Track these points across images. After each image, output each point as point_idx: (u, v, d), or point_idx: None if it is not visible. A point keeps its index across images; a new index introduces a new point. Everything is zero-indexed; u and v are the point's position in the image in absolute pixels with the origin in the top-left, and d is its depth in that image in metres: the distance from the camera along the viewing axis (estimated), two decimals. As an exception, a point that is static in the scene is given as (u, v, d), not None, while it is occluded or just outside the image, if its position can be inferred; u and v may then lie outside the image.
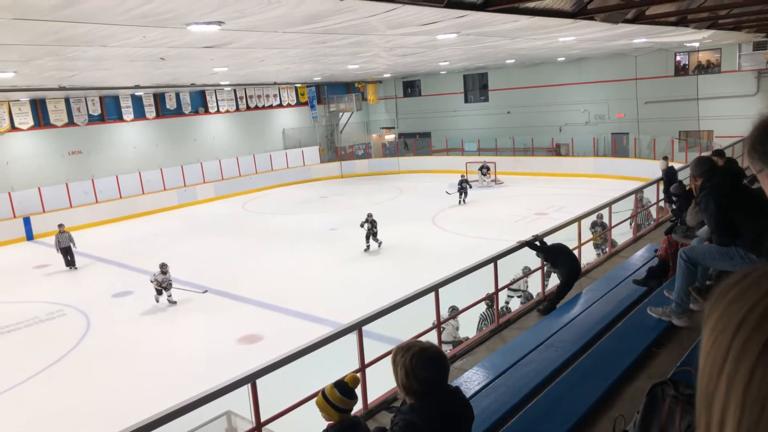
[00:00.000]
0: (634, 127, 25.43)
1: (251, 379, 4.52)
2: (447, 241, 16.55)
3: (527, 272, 8.97)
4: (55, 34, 7.66)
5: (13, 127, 21.80)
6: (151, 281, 12.84)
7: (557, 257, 6.44)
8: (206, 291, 13.28)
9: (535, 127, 28.27)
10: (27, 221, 21.54)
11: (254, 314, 12.26)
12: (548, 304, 6.38)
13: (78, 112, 23.38)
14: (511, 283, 8.18)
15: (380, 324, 5.10)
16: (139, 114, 25.43)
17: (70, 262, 17.01)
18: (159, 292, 12.95)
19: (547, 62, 26.52)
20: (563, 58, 24.62)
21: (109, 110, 24.55)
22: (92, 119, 23.95)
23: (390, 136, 33.60)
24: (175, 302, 12.99)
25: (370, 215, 16.05)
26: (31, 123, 22.20)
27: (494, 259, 6.04)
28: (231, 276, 14.66)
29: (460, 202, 21.50)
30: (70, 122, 23.26)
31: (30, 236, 21.44)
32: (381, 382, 5.18)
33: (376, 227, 16.01)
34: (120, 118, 24.89)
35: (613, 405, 3.99)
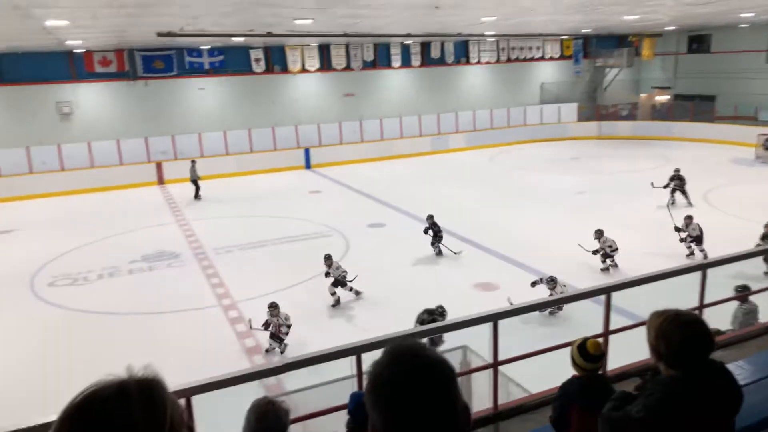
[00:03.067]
0: None
1: (493, 318, 4.63)
2: (715, 221, 14.41)
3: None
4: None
5: (303, 69, 25.03)
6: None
7: None
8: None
9: None
10: (306, 152, 24.89)
11: (491, 264, 12.44)
12: None
13: (355, 58, 25.76)
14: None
15: (629, 299, 4.73)
16: (406, 62, 26.98)
17: (197, 194, 19.66)
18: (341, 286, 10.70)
19: None
20: None
21: (381, 57, 26.50)
22: (366, 65, 26.19)
23: (663, 97, 30.06)
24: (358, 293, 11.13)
25: (431, 217, 13.16)
26: (317, 66, 25.20)
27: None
28: (472, 225, 15.01)
29: (669, 203, 15.51)
30: (348, 67, 25.80)
31: (308, 165, 24.78)
32: (627, 353, 4.87)
33: (441, 232, 13.10)
34: (389, 64, 26.75)
35: None
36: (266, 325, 9.13)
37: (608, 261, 11.70)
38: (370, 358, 3.49)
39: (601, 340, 4.34)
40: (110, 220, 17.38)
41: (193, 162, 20.34)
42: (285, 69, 24.74)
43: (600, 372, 3.39)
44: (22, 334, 9.96)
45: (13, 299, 11.52)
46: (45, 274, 12.82)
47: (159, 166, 22.71)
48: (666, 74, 30.62)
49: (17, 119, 21.14)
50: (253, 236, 14.94)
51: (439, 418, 1.19)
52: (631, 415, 2.05)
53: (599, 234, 11.77)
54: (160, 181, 22.60)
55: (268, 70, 24.48)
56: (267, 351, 8.99)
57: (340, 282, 10.71)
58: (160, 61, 22.73)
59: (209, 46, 22.93)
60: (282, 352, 8.97)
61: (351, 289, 10.88)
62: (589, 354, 3.21)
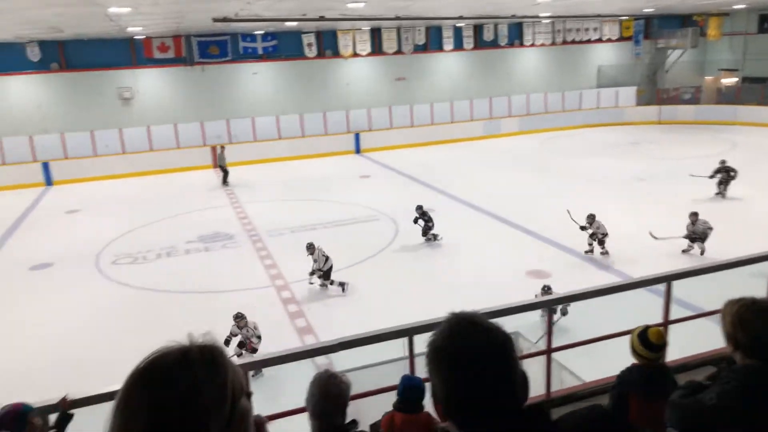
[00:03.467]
0: None
1: (547, 305, 4.54)
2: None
3: None
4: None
5: (354, 53, 25.04)
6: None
7: None
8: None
9: None
10: (357, 137, 24.98)
11: (544, 251, 12.21)
12: None
13: (406, 41, 25.56)
14: None
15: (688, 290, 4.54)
16: (458, 45, 26.58)
17: (225, 180, 19.87)
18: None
19: None
20: None
21: (432, 40, 26.21)
22: (417, 48, 25.96)
23: (730, 80, 28.55)
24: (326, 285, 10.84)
25: (420, 207, 13.07)
26: (368, 50, 25.15)
27: None
28: (524, 211, 14.75)
29: (719, 193, 15.21)
30: (399, 50, 25.64)
31: (358, 150, 24.89)
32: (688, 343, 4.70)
33: (431, 222, 12.94)
34: (440, 48, 26.43)
35: None
36: (229, 341, 8.02)
37: (597, 246, 11.64)
38: (422, 340, 3.49)
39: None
40: (168, 201, 17.99)
41: (222, 148, 20.82)
42: (336, 53, 24.83)
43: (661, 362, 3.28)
44: (87, 308, 10.46)
45: (80, 276, 12.10)
46: (108, 253, 13.41)
47: (214, 149, 23.27)
48: (734, 55, 29.03)
49: (82, 104, 22.06)
50: (304, 220, 15.16)
51: (496, 383, 1.24)
52: (704, 402, 1.97)
53: (591, 219, 11.66)
54: (215, 164, 23.17)
55: (320, 54, 24.63)
56: (253, 376, 7.11)
57: (325, 273, 10.60)
58: (215, 47, 23.20)
59: (263, 31, 23.23)
60: (255, 375, 7.23)
61: (328, 281, 10.63)
62: (651, 343, 3.11)
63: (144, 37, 21.85)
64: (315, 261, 10.65)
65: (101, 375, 6.90)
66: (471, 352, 1.25)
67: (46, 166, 21.37)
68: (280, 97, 24.42)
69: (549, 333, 4.44)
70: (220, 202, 17.66)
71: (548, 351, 4.43)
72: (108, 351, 8.63)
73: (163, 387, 1.01)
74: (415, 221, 12.95)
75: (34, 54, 20.98)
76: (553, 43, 27.95)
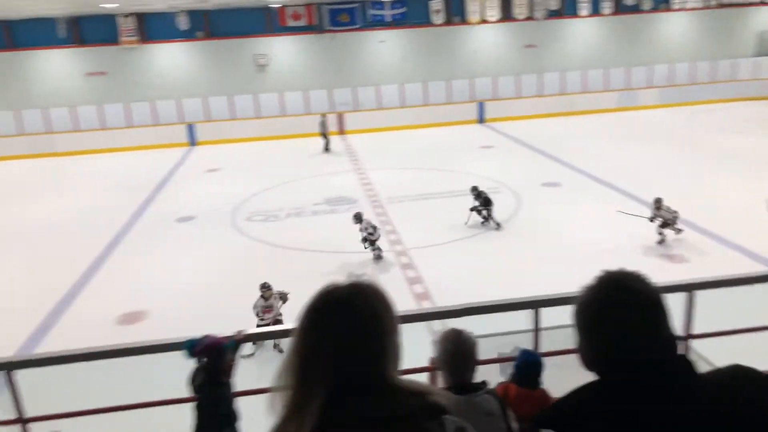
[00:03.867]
0: None
1: (688, 289, 4.21)
2: None
3: None
4: None
5: (483, 20, 24.34)
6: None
7: None
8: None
9: None
10: (480, 106, 24.47)
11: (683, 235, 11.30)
12: None
13: (538, 7, 24.38)
14: None
15: None
16: (596, 9, 24.89)
17: (327, 147, 20.34)
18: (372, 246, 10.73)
19: None
20: None
21: (568, 5, 24.75)
22: (550, 14, 24.67)
23: None
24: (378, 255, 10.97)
25: (475, 188, 12.34)
26: (498, 16, 24.33)
27: None
28: (660, 191, 13.69)
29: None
30: (530, 17, 24.53)
31: (481, 119, 24.40)
32: None
33: (489, 205, 12.07)
34: (575, 13, 24.91)
35: None
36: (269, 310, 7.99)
37: (666, 229, 10.65)
38: (548, 313, 3.38)
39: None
40: (297, 164, 18.89)
41: (324, 116, 21.17)
42: (464, 20, 24.30)
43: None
44: (223, 259, 11.36)
45: (218, 230, 13.15)
46: (243, 210, 14.42)
47: (340, 116, 23.96)
48: None
49: (223, 70, 23.60)
50: (425, 188, 15.23)
51: (640, 340, 1.27)
52: None
53: (658, 204, 10.76)
54: (341, 130, 23.89)
55: (448, 21, 24.24)
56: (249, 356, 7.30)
57: (368, 240, 10.72)
58: (345, 15, 23.65)
59: (391, -1, 23.29)
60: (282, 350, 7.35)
61: (375, 249, 10.77)
62: None
63: (280, 5, 22.78)
64: (364, 230, 10.80)
65: (236, 318, 7.51)
66: (614, 310, 1.28)
67: (191, 128, 23.26)
68: (405, 65, 24.46)
69: (688, 319, 4.12)
70: (345, 167, 18.23)
71: (686, 338, 4.12)
72: (242, 297, 9.36)
73: (350, 313, 1.15)
74: (475, 209, 12.18)
75: (182, 23, 22.70)
76: (707, 6, 25.24)
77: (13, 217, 15.12)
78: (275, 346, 7.69)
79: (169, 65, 23.35)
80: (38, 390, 2.69)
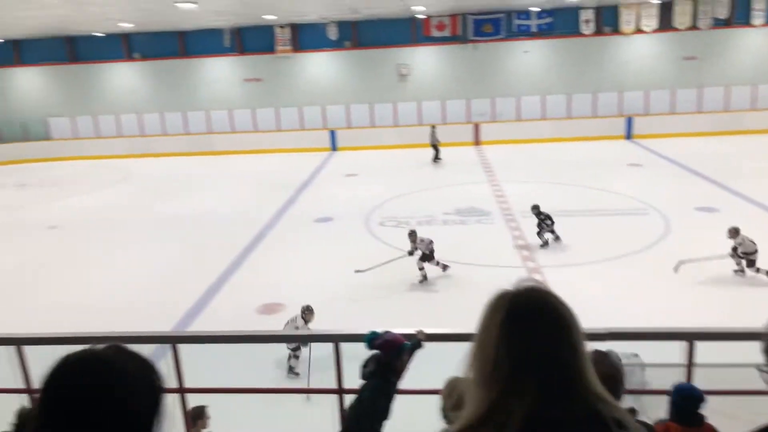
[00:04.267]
0: None
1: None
2: None
3: None
4: None
5: (638, 30, 22.87)
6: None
7: None
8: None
9: None
10: (629, 121, 23.01)
11: None
12: None
13: (704, 15, 22.40)
14: None
15: None
16: (776, 18, 22.37)
17: (436, 158, 20.26)
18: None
19: None
20: None
21: (739, 13, 22.49)
22: (716, 23, 22.57)
23: None
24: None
25: (536, 207, 11.89)
26: (655, 25, 22.72)
27: None
28: None
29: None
30: (693, 26, 22.62)
31: (629, 135, 22.93)
32: None
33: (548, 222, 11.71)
34: (747, 22, 22.54)
35: None
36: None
37: (744, 264, 9.79)
38: (704, 348, 3.04)
39: None
40: (430, 173, 19.08)
41: (433, 127, 21.02)
42: (616, 30, 23.02)
43: None
44: (355, 263, 11.68)
45: (352, 232, 13.62)
46: (377, 215, 14.81)
47: (477, 127, 23.78)
48: None
49: (366, 78, 24.48)
50: (563, 204, 14.58)
51: None
52: None
53: (735, 233, 9.92)
54: (476, 141, 23.69)
55: (598, 31, 23.11)
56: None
57: (427, 256, 10.45)
58: (489, 25, 23.46)
59: (539, 8, 22.68)
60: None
61: (438, 263, 10.56)
62: None
63: (425, 16, 23.16)
64: (420, 248, 10.55)
65: (368, 317, 7.71)
66: None
67: (332, 133, 24.40)
68: (548, 76, 23.70)
69: None
70: (478, 178, 18.05)
71: None
72: (374, 299, 9.61)
73: (554, 317, 1.18)
74: (539, 231, 11.81)
75: (332, 33, 23.90)
76: None
77: (176, 205, 16.85)
78: (290, 369, 7.62)
79: (317, 73, 24.70)
80: (187, 364, 2.93)
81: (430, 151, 20.89)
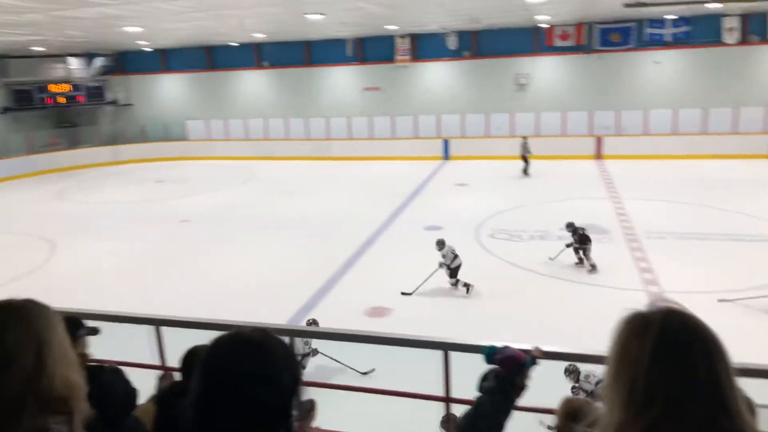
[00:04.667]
0: None
1: None
2: None
3: None
4: None
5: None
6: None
7: None
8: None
9: None
10: (775, 139, 20.82)
11: None
12: None
13: None
14: None
15: None
16: None
17: (526, 170, 19.89)
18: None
19: None
20: None
21: None
22: None
23: None
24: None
25: (571, 225, 11.44)
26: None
27: None
28: None
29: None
30: None
31: (774, 154, 20.75)
32: None
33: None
34: None
35: None
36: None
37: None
38: None
39: None
40: (548, 187, 18.44)
41: (525, 138, 20.37)
42: (764, 39, 20.97)
43: None
44: (462, 274, 11.55)
45: (461, 242, 13.36)
46: (487, 226, 14.55)
47: (599, 140, 22.68)
48: None
49: (483, 88, 24.22)
50: (694, 226, 13.52)
51: None
52: None
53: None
54: (598, 155, 22.59)
55: (743, 40, 21.18)
56: None
57: (452, 270, 10.16)
58: (616, 34, 22.33)
59: (675, 16, 21.21)
60: None
61: (457, 281, 10.19)
62: None
63: (548, 25, 22.50)
64: (443, 257, 10.22)
65: (473, 331, 7.58)
66: None
67: (446, 142, 24.39)
68: (681, 88, 22.09)
69: None
70: (598, 194, 17.18)
71: None
72: (481, 314, 9.43)
73: (705, 340, 1.12)
74: (569, 245, 11.25)
75: (452, 42, 23.91)
76: None
77: (296, 206, 17.66)
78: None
79: (433, 82, 24.83)
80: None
81: (520, 163, 20.32)
